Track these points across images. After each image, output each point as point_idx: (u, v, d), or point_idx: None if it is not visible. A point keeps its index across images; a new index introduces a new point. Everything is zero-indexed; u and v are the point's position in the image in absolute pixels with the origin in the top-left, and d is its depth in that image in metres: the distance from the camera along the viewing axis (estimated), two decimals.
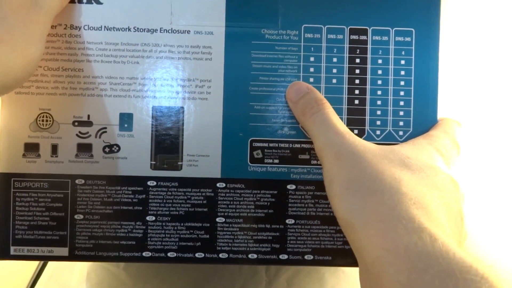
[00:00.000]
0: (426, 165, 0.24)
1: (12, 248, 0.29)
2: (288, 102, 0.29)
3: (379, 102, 0.29)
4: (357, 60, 0.29)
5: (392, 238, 0.20)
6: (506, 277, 0.17)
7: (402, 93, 0.29)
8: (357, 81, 0.29)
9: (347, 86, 0.29)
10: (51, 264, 0.39)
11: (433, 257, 0.18)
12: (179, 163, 0.29)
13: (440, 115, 0.30)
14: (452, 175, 0.24)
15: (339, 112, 0.29)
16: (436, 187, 0.23)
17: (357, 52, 0.29)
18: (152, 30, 0.29)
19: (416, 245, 0.19)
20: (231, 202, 0.29)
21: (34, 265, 0.39)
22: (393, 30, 0.30)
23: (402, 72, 0.29)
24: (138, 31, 0.29)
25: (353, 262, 0.30)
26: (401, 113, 0.29)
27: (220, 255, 0.29)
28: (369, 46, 0.30)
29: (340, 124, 0.26)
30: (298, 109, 0.28)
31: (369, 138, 0.29)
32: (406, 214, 0.20)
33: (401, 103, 0.29)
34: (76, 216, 0.29)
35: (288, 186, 0.30)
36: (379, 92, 0.29)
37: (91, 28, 0.29)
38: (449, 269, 0.18)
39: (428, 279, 0.18)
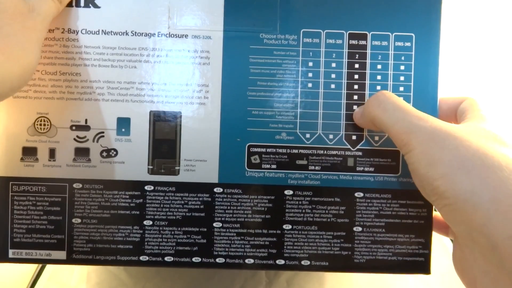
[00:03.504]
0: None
1: (10, 251, 0.29)
2: (357, 121, 0.29)
3: None
4: (356, 66, 0.29)
5: None
6: None
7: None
8: (356, 87, 0.29)
9: (345, 91, 0.29)
10: (51, 264, 0.39)
11: None
12: (177, 168, 0.29)
13: None
14: None
15: (337, 117, 0.29)
16: None
17: (356, 57, 0.29)
18: (149, 34, 0.29)
19: None
20: (228, 207, 0.29)
21: (34, 265, 0.39)
22: (393, 35, 0.29)
23: (402, 78, 0.29)
24: (135, 35, 0.29)
25: (349, 268, 0.30)
26: None
27: (217, 260, 0.29)
28: (368, 51, 0.29)
29: (413, 108, 0.26)
30: (364, 111, 0.28)
31: (367, 144, 0.29)
32: None
33: None
34: (73, 220, 0.29)
35: (286, 192, 0.29)
36: None
37: (89, 32, 0.29)
38: None
39: None
